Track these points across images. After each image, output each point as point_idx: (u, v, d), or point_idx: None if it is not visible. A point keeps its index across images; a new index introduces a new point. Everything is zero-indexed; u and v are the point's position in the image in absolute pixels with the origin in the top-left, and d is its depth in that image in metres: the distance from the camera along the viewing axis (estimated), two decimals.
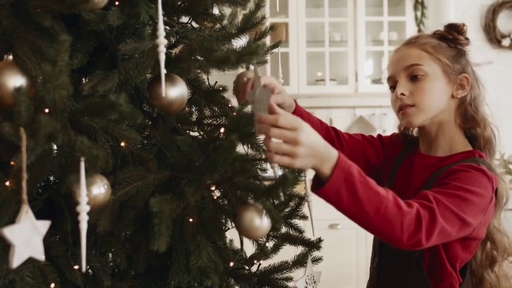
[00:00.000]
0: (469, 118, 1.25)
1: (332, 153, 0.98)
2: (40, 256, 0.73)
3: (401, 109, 1.25)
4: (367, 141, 1.44)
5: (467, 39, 1.29)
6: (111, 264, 0.97)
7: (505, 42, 4.11)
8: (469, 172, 1.13)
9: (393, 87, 1.29)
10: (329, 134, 1.37)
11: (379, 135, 1.49)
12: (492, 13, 4.13)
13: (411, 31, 3.86)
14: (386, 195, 1.00)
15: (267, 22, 1.07)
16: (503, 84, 4.16)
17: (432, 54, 1.24)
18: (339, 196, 0.97)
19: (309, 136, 0.94)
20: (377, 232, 1.04)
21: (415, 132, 1.42)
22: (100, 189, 0.83)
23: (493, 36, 4.12)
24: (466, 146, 1.26)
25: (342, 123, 4.09)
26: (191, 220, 0.93)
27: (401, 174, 1.35)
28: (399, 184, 1.33)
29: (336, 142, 1.37)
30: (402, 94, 1.23)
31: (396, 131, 1.48)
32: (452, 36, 1.27)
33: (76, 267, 0.88)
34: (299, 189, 1.07)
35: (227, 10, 1.14)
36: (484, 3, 4.19)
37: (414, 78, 1.23)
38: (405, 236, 1.00)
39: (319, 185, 0.98)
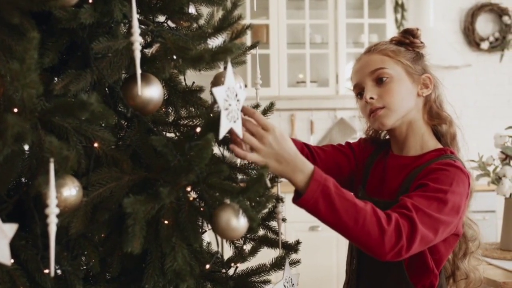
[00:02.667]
0: (434, 115, 1.31)
1: (307, 166, 1.03)
2: (7, 260, 0.71)
3: (372, 113, 1.28)
4: (338, 151, 1.47)
5: (422, 42, 1.34)
6: (84, 267, 0.94)
7: (484, 45, 4.16)
8: (446, 170, 1.16)
9: (360, 94, 1.34)
10: (304, 151, 1.39)
11: (348, 142, 1.51)
12: (471, 16, 4.18)
13: (391, 33, 3.90)
14: (364, 207, 1.03)
15: (248, 24, 1.07)
16: (481, 87, 4.21)
17: (393, 57, 1.28)
18: (317, 208, 1.01)
19: (279, 141, 1.00)
20: (359, 243, 1.06)
21: (382, 136, 1.45)
22: (71, 190, 0.81)
23: (472, 39, 4.17)
24: (437, 144, 1.30)
25: (322, 125, 4.09)
26: (166, 222, 0.91)
27: (374, 176, 1.37)
28: (372, 186, 1.35)
29: (310, 158, 1.39)
30: (371, 98, 1.27)
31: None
32: (409, 40, 1.33)
33: (46, 271, 0.85)
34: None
35: (206, 10, 1.13)
36: (464, 7, 4.24)
37: (380, 81, 1.27)
38: (387, 247, 1.02)
39: (298, 197, 1.03)
